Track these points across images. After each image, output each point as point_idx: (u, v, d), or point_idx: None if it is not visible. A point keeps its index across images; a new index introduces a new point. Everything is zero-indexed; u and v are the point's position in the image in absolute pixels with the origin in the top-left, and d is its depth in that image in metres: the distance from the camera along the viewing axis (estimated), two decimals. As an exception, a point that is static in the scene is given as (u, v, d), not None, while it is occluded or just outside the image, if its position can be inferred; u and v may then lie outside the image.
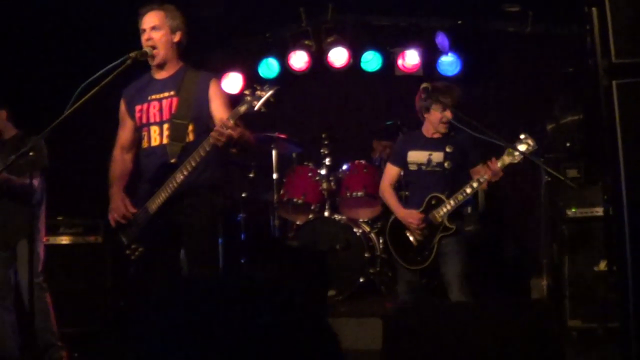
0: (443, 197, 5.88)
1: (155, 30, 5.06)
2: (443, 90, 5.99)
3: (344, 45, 8.88)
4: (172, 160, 4.92)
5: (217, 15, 8.40)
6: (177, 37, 5.16)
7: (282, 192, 7.97)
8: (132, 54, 4.96)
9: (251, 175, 8.37)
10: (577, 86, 8.10)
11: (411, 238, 5.96)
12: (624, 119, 3.72)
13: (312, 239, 7.59)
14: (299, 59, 9.03)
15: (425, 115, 6.08)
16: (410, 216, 5.94)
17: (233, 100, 5.09)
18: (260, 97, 4.60)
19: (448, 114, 5.92)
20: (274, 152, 8.09)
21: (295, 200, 7.86)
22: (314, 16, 9.04)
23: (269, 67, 9.12)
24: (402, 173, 6.24)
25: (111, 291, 7.79)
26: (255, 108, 4.61)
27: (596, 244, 6.70)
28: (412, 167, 6.08)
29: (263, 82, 4.80)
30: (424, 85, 5.90)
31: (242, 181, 8.37)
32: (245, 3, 8.32)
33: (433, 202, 5.90)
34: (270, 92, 4.61)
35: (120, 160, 5.34)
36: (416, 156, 6.07)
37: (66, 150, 6.36)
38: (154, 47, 5.05)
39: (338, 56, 8.93)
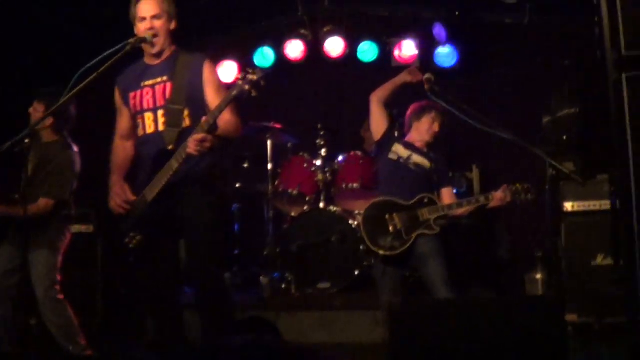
0: (437, 200, 6.02)
1: (157, 18, 5.01)
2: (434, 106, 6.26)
3: (340, 35, 8.80)
4: (170, 147, 4.85)
5: (213, 3, 8.32)
6: (173, 25, 5.13)
7: (277, 182, 7.88)
8: (131, 40, 4.88)
9: (245, 165, 8.31)
10: (574, 79, 8.06)
11: (390, 225, 5.95)
12: (634, 112, 3.66)
13: (307, 230, 7.51)
14: (294, 48, 8.93)
15: (414, 124, 6.35)
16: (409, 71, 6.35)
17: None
18: (251, 81, 4.60)
19: (436, 127, 6.25)
20: (269, 142, 7.99)
21: (290, 191, 7.76)
22: (310, 5, 8.94)
23: (264, 56, 9.02)
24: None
25: (104, 281, 7.72)
26: (245, 91, 4.61)
27: (594, 238, 6.67)
28: (392, 156, 6.24)
29: (253, 67, 4.76)
30: (427, 75, 5.88)
31: (236, 171, 8.30)
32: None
33: (425, 200, 5.96)
34: (260, 75, 4.62)
35: (121, 148, 5.30)
36: (399, 150, 6.26)
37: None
38: (155, 36, 4.99)
39: (334, 46, 8.84)
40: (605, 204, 6.69)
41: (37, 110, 6.13)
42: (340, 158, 7.85)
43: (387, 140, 6.34)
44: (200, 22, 8.21)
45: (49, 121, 6.04)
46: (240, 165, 8.30)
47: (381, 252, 5.91)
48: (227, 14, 8.80)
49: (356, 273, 7.36)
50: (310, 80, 9.31)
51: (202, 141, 4.67)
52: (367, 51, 8.88)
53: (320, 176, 7.71)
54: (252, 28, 9.18)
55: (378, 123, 6.40)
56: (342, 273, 7.38)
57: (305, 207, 7.72)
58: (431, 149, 6.32)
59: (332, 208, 7.63)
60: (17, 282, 6.08)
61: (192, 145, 4.68)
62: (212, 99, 4.97)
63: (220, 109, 4.67)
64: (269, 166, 7.98)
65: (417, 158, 6.17)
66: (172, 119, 4.92)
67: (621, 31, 3.67)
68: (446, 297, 5.70)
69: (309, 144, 8.12)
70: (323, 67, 9.08)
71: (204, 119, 4.74)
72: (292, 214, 7.82)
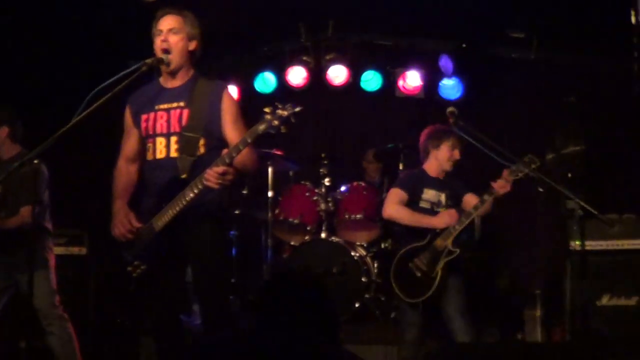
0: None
1: (173, 33, 4.84)
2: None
3: (343, 63, 8.76)
4: (183, 176, 4.70)
5: (214, 26, 8.22)
6: (192, 45, 4.96)
7: (277, 211, 7.78)
8: (149, 60, 4.77)
9: (245, 192, 8.14)
10: (580, 116, 8.03)
11: (416, 272, 5.86)
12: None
13: (307, 260, 7.38)
14: (296, 75, 8.86)
15: (432, 151, 6.08)
16: (447, 217, 5.86)
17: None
18: (281, 117, 4.43)
19: (457, 154, 6.03)
20: (270, 170, 7.88)
21: (291, 220, 7.66)
22: (313, 32, 8.87)
23: (265, 82, 8.97)
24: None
25: (95, 304, 7.58)
26: (274, 127, 4.43)
27: (599, 278, 6.60)
28: (424, 205, 6.03)
29: (284, 101, 4.54)
30: (450, 109, 5.77)
31: (235, 198, 8.16)
32: (244, 16, 8.14)
33: (437, 230, 5.84)
34: (291, 112, 4.44)
35: (125, 172, 5.07)
36: (430, 195, 6.06)
37: (48, 158, 6.12)
38: (167, 51, 4.83)
39: (337, 74, 8.80)
40: (612, 244, 6.65)
41: None
42: (344, 188, 7.75)
43: (416, 187, 6.09)
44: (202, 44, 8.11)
45: (4, 132, 6.11)
46: (239, 192, 8.15)
47: (421, 299, 5.81)
48: (229, 37, 8.71)
49: (357, 305, 7.24)
50: (312, 107, 9.20)
51: (223, 174, 4.54)
52: (371, 80, 8.85)
53: (322, 206, 7.60)
54: (254, 53, 9.08)
55: None
56: (343, 305, 7.23)
57: (307, 237, 7.60)
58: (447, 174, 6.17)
59: (334, 238, 7.52)
60: (4, 304, 6.13)
61: (212, 178, 4.54)
62: (230, 129, 4.82)
63: (245, 143, 4.51)
64: (270, 194, 7.87)
65: (444, 197, 6.05)
66: (187, 146, 4.77)
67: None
68: (462, 333, 5.67)
69: (309, 172, 8.03)
70: (325, 95, 9.00)
71: (225, 151, 4.60)
72: (292, 243, 7.71)
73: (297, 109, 4.44)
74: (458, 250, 5.80)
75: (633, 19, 3.89)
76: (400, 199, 6.03)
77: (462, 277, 5.94)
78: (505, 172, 5.73)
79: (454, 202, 6.08)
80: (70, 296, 7.01)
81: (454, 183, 6.15)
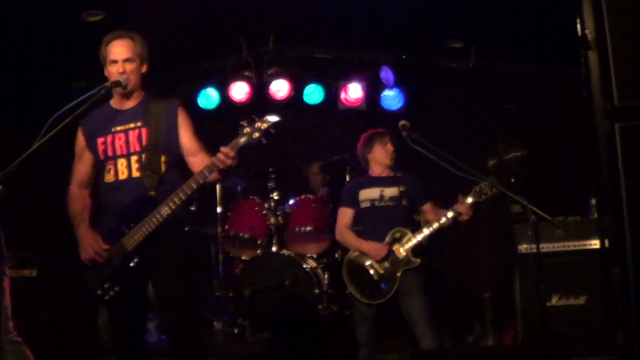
0: (408, 231, 6.02)
1: (129, 62, 4.87)
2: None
3: (285, 77, 8.79)
4: (152, 193, 4.73)
5: (155, 42, 8.21)
6: (144, 68, 5.02)
7: (227, 226, 7.80)
8: (107, 84, 4.81)
9: (193, 208, 8.13)
10: (518, 122, 8.22)
11: (371, 272, 5.97)
12: (626, 160, 3.72)
13: (259, 274, 7.42)
14: (239, 90, 8.85)
15: (369, 157, 6.32)
16: (375, 249, 5.96)
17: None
18: (260, 129, 4.50)
19: (390, 147, 6.26)
20: (217, 185, 7.92)
21: (241, 234, 7.69)
22: (255, 47, 8.88)
23: (208, 98, 8.96)
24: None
25: (48, 328, 7.48)
26: (255, 139, 4.52)
27: (547, 280, 6.75)
28: (365, 204, 6.23)
29: (261, 114, 4.63)
30: (402, 122, 5.86)
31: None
32: (184, 32, 8.13)
33: (397, 235, 5.98)
34: (271, 123, 4.52)
35: (79, 197, 5.03)
36: (368, 193, 6.24)
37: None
38: (127, 79, 4.87)
39: (279, 88, 8.81)
40: (559, 246, 6.83)
41: None
42: (292, 201, 7.82)
43: (352, 195, 6.33)
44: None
45: None
46: (187, 208, 8.13)
47: (375, 302, 5.92)
48: (170, 54, 8.69)
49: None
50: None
51: (232, 157, 4.55)
52: (313, 94, 8.91)
53: (272, 219, 7.64)
54: (195, 69, 9.06)
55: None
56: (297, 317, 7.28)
57: (258, 251, 7.63)
58: (397, 169, 6.32)
59: (285, 251, 7.57)
60: None
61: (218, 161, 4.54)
62: (190, 140, 4.90)
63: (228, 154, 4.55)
64: (218, 209, 7.91)
65: (388, 191, 6.18)
66: (151, 165, 4.80)
67: (614, 84, 3.72)
68: (425, 335, 5.78)
69: (256, 186, 8.07)
70: (269, 110, 8.98)
71: (207, 162, 4.62)
72: (244, 258, 7.73)
73: (277, 120, 4.51)
74: (419, 261, 5.93)
75: (579, 29, 4.00)
76: (347, 219, 6.31)
77: (421, 279, 6.05)
78: (464, 196, 5.92)
79: (410, 199, 6.18)
80: (21, 321, 6.91)
81: (413, 183, 6.28)
